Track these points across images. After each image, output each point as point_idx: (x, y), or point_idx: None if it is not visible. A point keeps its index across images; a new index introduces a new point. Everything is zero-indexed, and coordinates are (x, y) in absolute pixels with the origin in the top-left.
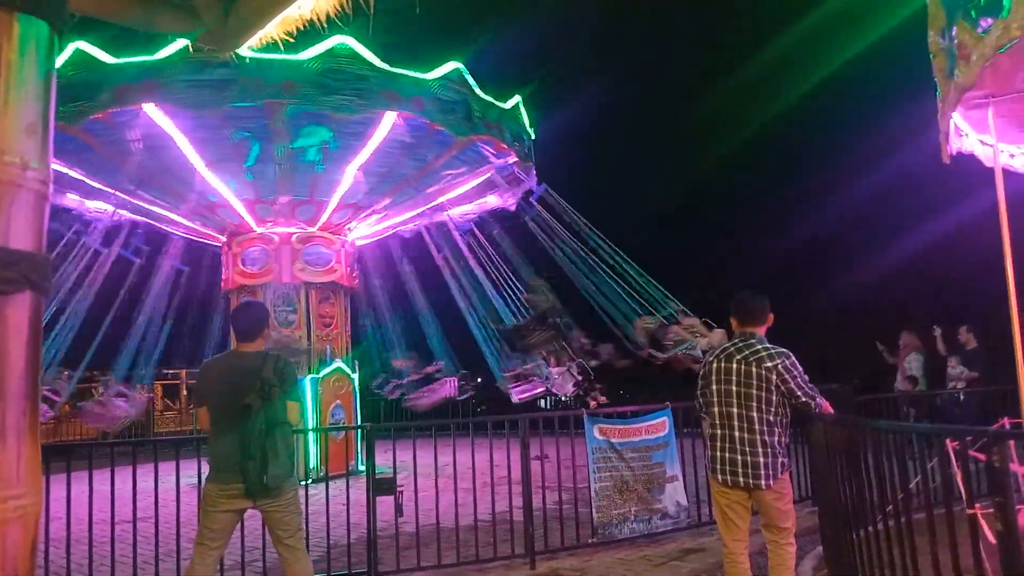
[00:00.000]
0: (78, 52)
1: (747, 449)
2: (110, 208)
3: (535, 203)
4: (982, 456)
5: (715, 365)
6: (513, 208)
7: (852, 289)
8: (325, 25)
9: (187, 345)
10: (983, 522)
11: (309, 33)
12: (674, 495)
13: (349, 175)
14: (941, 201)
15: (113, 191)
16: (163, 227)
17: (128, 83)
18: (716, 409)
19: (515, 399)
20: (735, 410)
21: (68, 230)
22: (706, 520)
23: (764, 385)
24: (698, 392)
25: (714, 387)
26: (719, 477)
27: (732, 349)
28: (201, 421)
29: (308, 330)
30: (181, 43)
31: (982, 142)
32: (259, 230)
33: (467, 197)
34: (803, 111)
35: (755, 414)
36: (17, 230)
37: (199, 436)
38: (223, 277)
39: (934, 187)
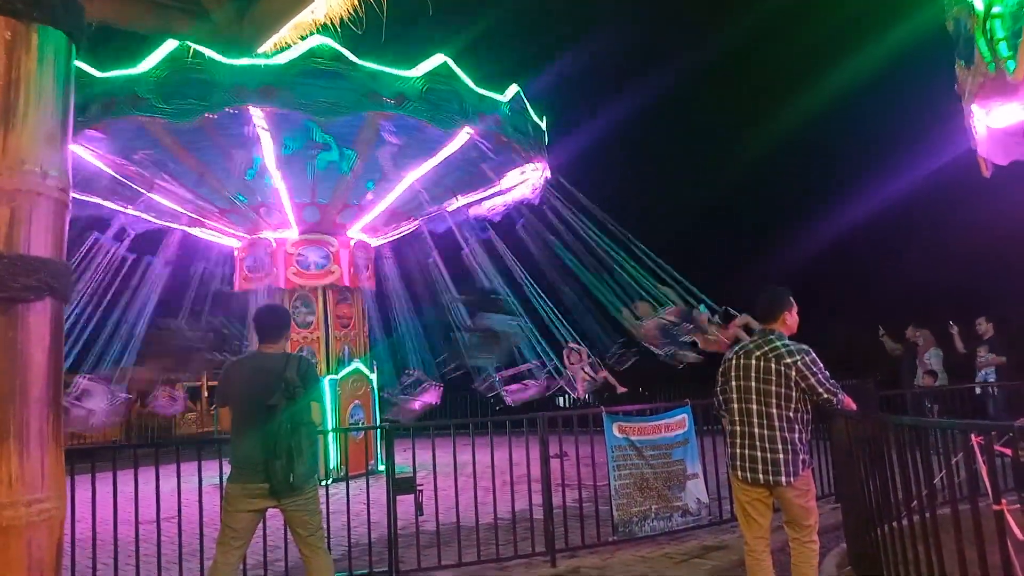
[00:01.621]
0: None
1: (767, 446)
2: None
3: (547, 196)
4: (1008, 451)
5: (734, 362)
6: (537, 201)
7: (875, 285)
8: (338, 28)
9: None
10: (1010, 518)
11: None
12: (695, 492)
13: (348, 177)
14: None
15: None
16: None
17: (116, 96)
18: (736, 406)
19: (509, 401)
20: (754, 407)
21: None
22: (727, 517)
23: (784, 382)
24: (717, 389)
25: (733, 383)
26: (739, 474)
27: (751, 346)
28: (224, 421)
29: (326, 331)
30: (164, 51)
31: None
32: (263, 234)
33: (484, 192)
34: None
35: (775, 411)
36: (37, 237)
37: (220, 437)
38: (243, 278)
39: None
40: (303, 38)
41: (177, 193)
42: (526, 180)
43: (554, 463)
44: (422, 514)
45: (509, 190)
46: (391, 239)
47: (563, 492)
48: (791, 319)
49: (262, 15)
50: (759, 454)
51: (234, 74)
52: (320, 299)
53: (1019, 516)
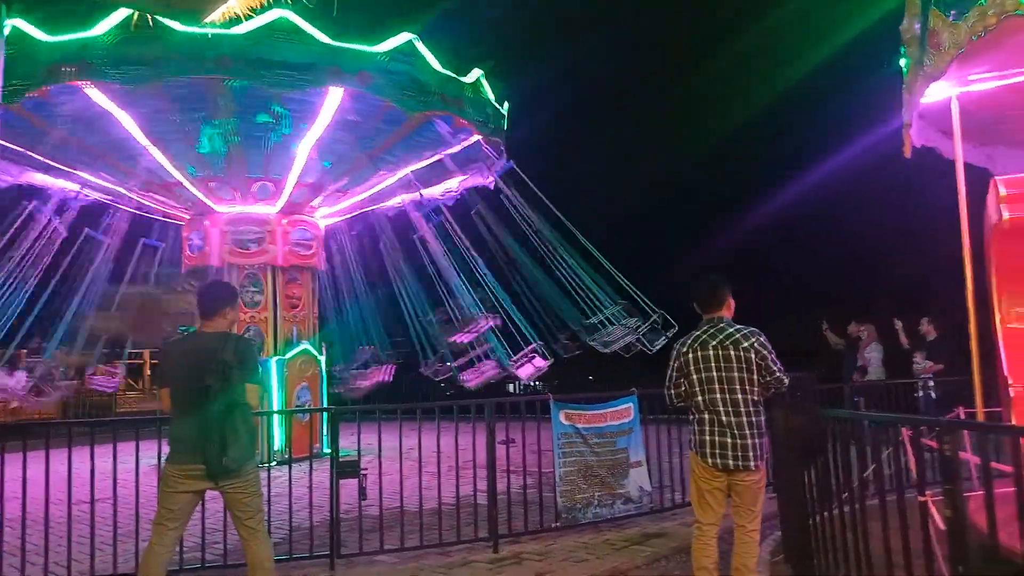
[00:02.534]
0: (15, 31)
1: (735, 432)
2: (76, 187)
3: (500, 181)
4: (935, 444)
5: (691, 355)
6: (492, 186)
7: (814, 279)
8: (290, 2)
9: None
10: (933, 509)
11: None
12: (638, 480)
13: (303, 153)
14: (902, 194)
15: (69, 169)
16: (124, 206)
17: (62, 61)
18: (700, 398)
19: (468, 385)
20: (718, 395)
21: (37, 211)
22: (668, 505)
23: (744, 366)
24: (668, 384)
25: (694, 376)
26: (709, 460)
27: (705, 336)
28: (164, 402)
29: (274, 311)
30: (117, 18)
31: (943, 134)
32: (222, 209)
33: (440, 175)
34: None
35: (739, 396)
36: None
37: (160, 417)
38: (186, 255)
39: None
40: (253, 10)
41: (120, 165)
42: (482, 164)
43: (500, 449)
44: (365, 498)
45: (464, 173)
46: (344, 219)
47: (508, 479)
48: (732, 303)
49: None
50: (729, 440)
51: (191, 43)
52: (269, 279)
53: (941, 507)
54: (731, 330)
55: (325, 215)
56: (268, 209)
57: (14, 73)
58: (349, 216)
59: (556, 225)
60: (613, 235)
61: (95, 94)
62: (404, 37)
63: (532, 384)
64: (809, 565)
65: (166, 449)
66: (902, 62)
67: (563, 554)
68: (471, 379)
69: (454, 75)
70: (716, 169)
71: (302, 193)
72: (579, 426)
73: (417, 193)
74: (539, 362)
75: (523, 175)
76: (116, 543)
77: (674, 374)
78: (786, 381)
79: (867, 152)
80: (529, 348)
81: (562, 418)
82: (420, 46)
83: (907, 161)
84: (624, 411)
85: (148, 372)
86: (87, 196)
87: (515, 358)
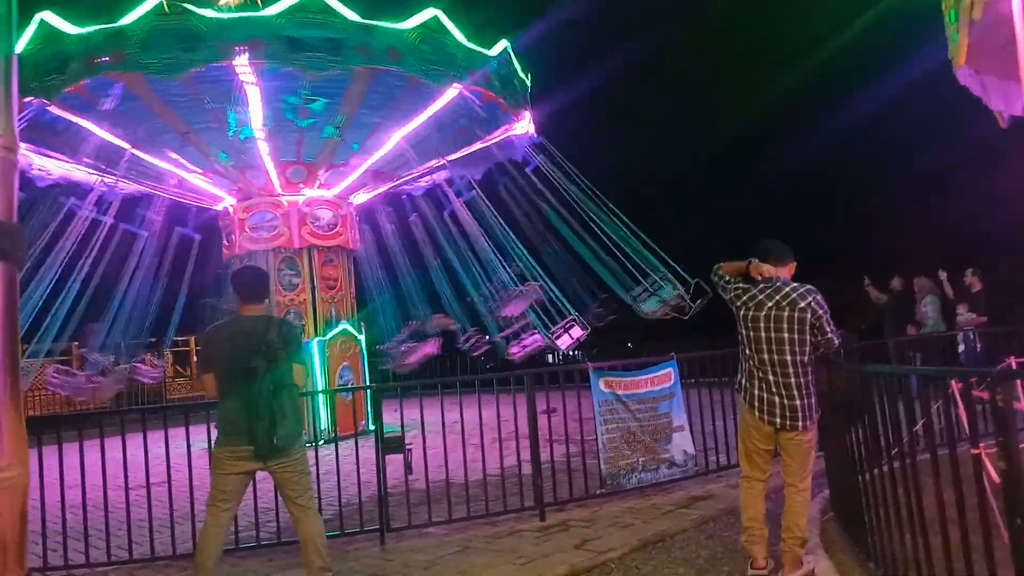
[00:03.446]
0: (45, 25)
1: (783, 392)
2: (109, 179)
3: (531, 157)
4: (986, 395)
5: (742, 312)
6: (520, 159)
7: (851, 233)
8: None
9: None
10: (987, 461)
11: None
12: (681, 444)
13: (331, 134)
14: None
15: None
16: (162, 194)
17: (94, 53)
18: (751, 354)
19: (515, 358)
20: (766, 356)
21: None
22: (713, 468)
23: (797, 327)
24: (719, 277)
25: (744, 333)
26: (756, 415)
27: (761, 297)
28: (207, 388)
29: (312, 293)
30: (148, 5)
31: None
32: (266, 195)
33: (471, 150)
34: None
35: (788, 357)
36: None
37: (208, 402)
38: (226, 244)
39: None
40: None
41: (159, 153)
42: (511, 136)
43: (542, 419)
44: (411, 472)
45: (493, 147)
46: (377, 195)
47: (551, 447)
48: (793, 266)
49: None
50: (776, 399)
51: (220, 26)
52: (305, 261)
53: (995, 459)
54: (787, 289)
55: (357, 195)
56: (301, 193)
57: (49, 68)
58: (383, 193)
59: (586, 196)
60: (641, 201)
61: (133, 85)
62: (430, 12)
63: (571, 353)
64: (859, 522)
65: (215, 433)
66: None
67: (609, 520)
68: (517, 352)
69: (480, 48)
70: (741, 122)
71: (335, 175)
72: (619, 392)
73: (447, 168)
74: (576, 331)
75: (552, 148)
76: (173, 525)
77: (728, 286)
78: (836, 342)
79: (905, 96)
80: (567, 319)
81: (602, 385)
82: (445, 20)
83: (948, 106)
84: (664, 376)
85: (194, 359)
86: (123, 188)
87: (553, 329)
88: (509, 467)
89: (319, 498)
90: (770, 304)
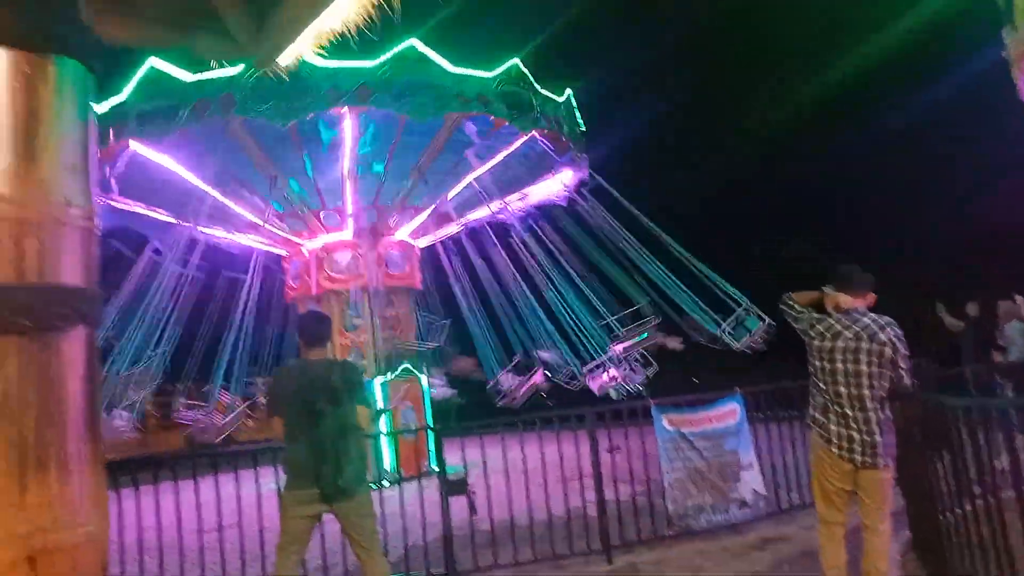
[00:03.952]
0: (153, 70)
1: (862, 428)
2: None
3: (588, 194)
4: None
5: (817, 343)
6: (563, 202)
7: (931, 256)
8: (355, 35)
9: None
10: None
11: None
12: (751, 483)
13: (414, 178)
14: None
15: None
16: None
17: (205, 98)
18: (825, 388)
19: (517, 402)
20: (843, 389)
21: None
22: (786, 507)
23: (876, 360)
24: (791, 307)
25: (818, 364)
26: (835, 451)
27: (838, 327)
28: (276, 431)
29: (374, 334)
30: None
31: None
32: (305, 243)
33: (520, 193)
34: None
35: (865, 391)
36: (67, 267)
37: (273, 446)
38: (288, 286)
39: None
40: (322, 47)
41: (245, 199)
42: (567, 177)
43: (605, 457)
44: (476, 514)
45: (554, 185)
46: (441, 238)
47: (616, 487)
48: (873, 297)
49: (278, 28)
50: (856, 435)
51: (329, 76)
52: (366, 302)
53: None
54: (867, 320)
55: (420, 235)
56: (376, 234)
57: (157, 112)
58: (446, 235)
59: (637, 226)
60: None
61: (234, 128)
62: (512, 62)
63: (636, 388)
64: (942, 563)
65: (283, 476)
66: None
67: (679, 563)
68: (600, 384)
69: (551, 95)
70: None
71: (397, 215)
72: (684, 430)
73: (506, 204)
74: (612, 372)
75: (599, 179)
76: (244, 567)
77: (803, 315)
78: (908, 383)
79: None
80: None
81: (665, 423)
82: (524, 69)
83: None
84: (729, 412)
85: (262, 400)
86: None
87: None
88: (574, 507)
89: (384, 540)
90: (848, 335)
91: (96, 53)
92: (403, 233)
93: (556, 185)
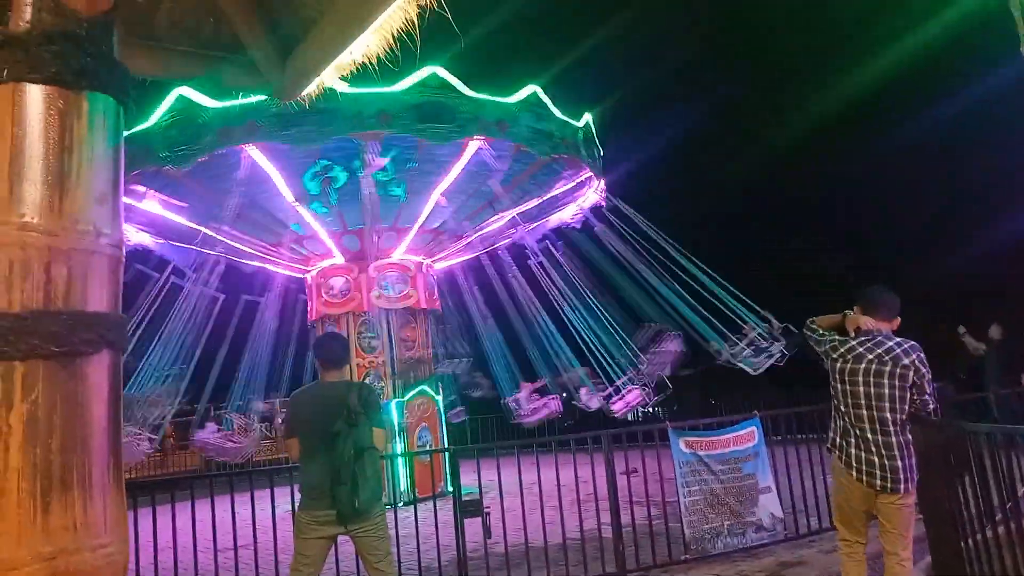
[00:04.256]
0: (181, 98)
1: (883, 452)
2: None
3: (608, 215)
4: None
5: (839, 365)
6: (578, 226)
7: (948, 278)
8: (376, 67)
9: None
10: None
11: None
12: (768, 507)
13: (431, 202)
14: None
15: (206, 230)
16: (247, 262)
17: (230, 125)
18: (846, 411)
19: (525, 423)
20: (864, 412)
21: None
22: (804, 532)
23: (899, 383)
24: (814, 332)
25: (839, 387)
26: (854, 475)
27: (861, 349)
28: (291, 452)
29: (391, 354)
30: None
31: None
32: (342, 260)
33: (533, 216)
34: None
35: (888, 415)
36: (93, 293)
37: (292, 465)
38: (309, 308)
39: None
40: (344, 79)
41: (262, 225)
42: (585, 198)
43: (621, 480)
44: (490, 536)
45: (567, 207)
46: (461, 260)
47: (631, 510)
48: (898, 321)
49: (302, 61)
50: (876, 459)
51: (355, 101)
52: (384, 323)
53: None
54: (891, 344)
55: (439, 258)
56: (387, 257)
57: (183, 139)
58: (461, 259)
59: (656, 245)
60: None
61: (257, 156)
62: (531, 88)
63: (652, 410)
64: None
65: (298, 496)
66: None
67: None
68: (620, 407)
69: (570, 120)
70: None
71: (425, 239)
72: (701, 453)
73: (521, 228)
74: (633, 396)
75: (617, 201)
76: None
77: (824, 339)
78: (931, 407)
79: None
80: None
81: (682, 446)
82: (543, 96)
83: None
84: (747, 435)
85: (279, 421)
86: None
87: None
88: (589, 530)
89: (399, 562)
90: (871, 357)
91: (125, 88)
92: (417, 255)
93: (572, 208)
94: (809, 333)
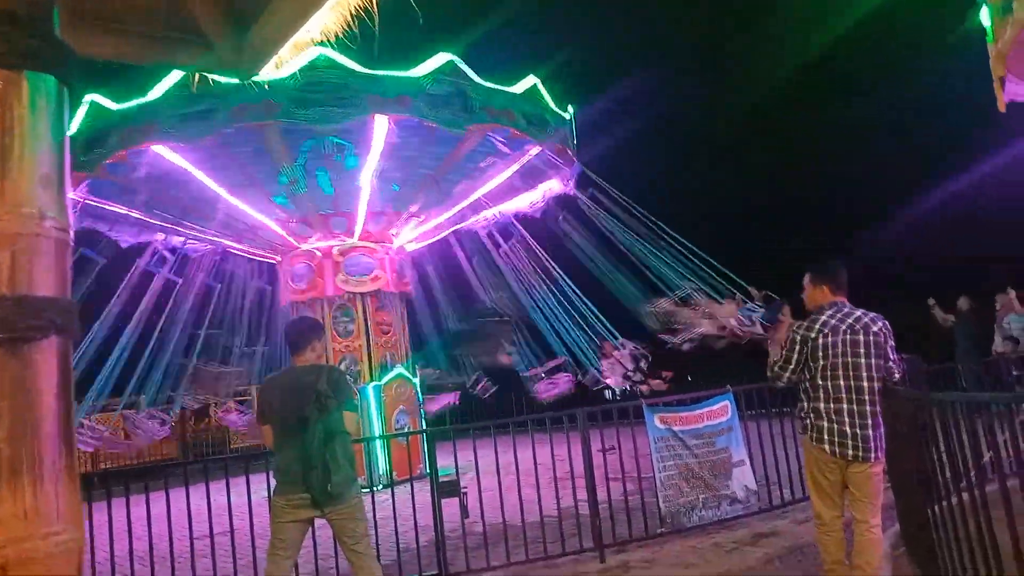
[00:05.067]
0: (93, 105)
1: (857, 421)
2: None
3: (575, 188)
4: None
5: (820, 341)
6: (538, 215)
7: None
8: (333, 43)
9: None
10: None
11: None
12: (742, 480)
13: (366, 183)
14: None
15: (160, 223)
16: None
17: (132, 126)
18: (823, 384)
19: (541, 398)
20: (842, 382)
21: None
22: (777, 503)
23: (874, 351)
24: (782, 367)
25: (821, 363)
26: (827, 448)
27: (834, 321)
28: (265, 438)
29: (367, 339)
30: (172, 80)
31: None
32: (301, 247)
33: (510, 191)
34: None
35: (864, 383)
36: (40, 278)
37: (268, 451)
38: (282, 292)
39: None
40: (316, 60)
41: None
42: (553, 173)
43: (598, 457)
44: (468, 516)
45: (534, 186)
46: (430, 242)
47: (608, 486)
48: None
49: (260, 39)
50: (848, 429)
51: (237, 92)
52: (360, 307)
53: None
54: (858, 313)
55: (408, 240)
56: (370, 240)
57: (94, 143)
58: (434, 239)
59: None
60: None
61: (164, 152)
62: (444, 57)
63: (630, 388)
64: (932, 558)
65: (273, 482)
66: (983, 13)
67: (671, 560)
68: (545, 392)
69: (501, 87)
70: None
71: (378, 222)
72: (675, 428)
73: (494, 212)
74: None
75: (596, 177)
76: (236, 574)
77: (797, 359)
78: (897, 375)
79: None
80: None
81: (657, 422)
82: (461, 64)
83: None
84: (720, 410)
85: (257, 408)
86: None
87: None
88: (566, 507)
89: (377, 544)
90: (843, 328)
91: (69, 69)
92: (391, 237)
93: (539, 195)
94: (780, 373)
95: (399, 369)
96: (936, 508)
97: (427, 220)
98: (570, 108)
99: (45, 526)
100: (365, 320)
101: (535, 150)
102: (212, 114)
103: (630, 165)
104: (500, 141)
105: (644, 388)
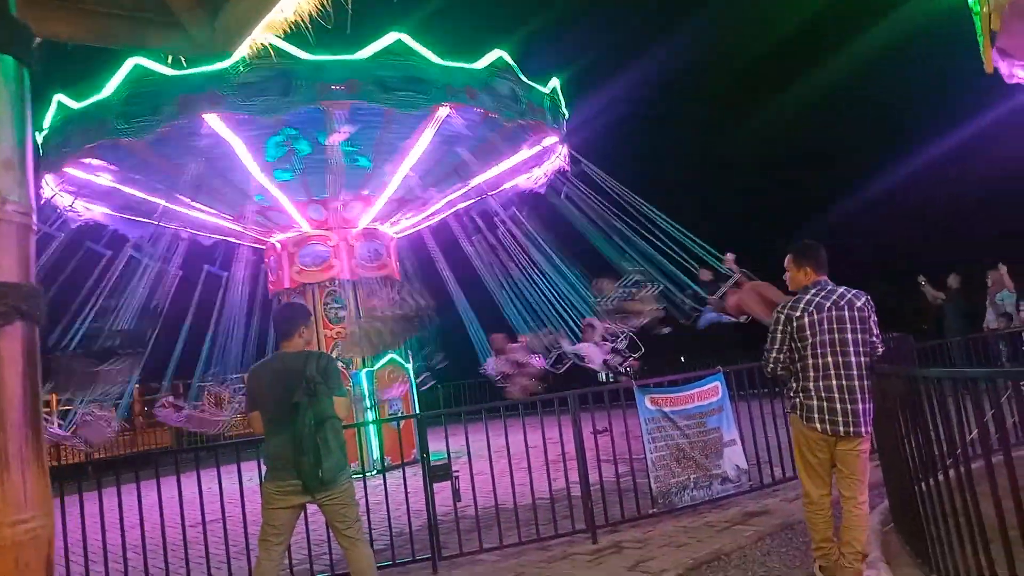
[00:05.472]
0: (138, 67)
1: (847, 397)
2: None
3: (571, 179)
4: None
5: (805, 320)
6: (543, 191)
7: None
8: (310, 26)
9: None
10: None
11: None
12: (733, 459)
13: (402, 171)
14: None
15: (164, 202)
16: (208, 235)
17: (190, 93)
18: (812, 362)
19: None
20: (831, 359)
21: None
22: (768, 482)
23: (860, 327)
24: (771, 350)
25: (809, 341)
26: (818, 426)
27: (818, 299)
28: (254, 426)
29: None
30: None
31: None
32: (312, 231)
33: (499, 181)
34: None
35: (852, 359)
36: (2, 262)
37: (259, 439)
38: (271, 280)
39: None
40: (285, 38)
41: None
42: (549, 165)
43: (589, 440)
44: (460, 500)
45: (530, 168)
46: (418, 229)
47: (600, 468)
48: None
49: (232, 21)
50: (838, 406)
51: (318, 69)
52: (349, 294)
53: None
54: (841, 290)
55: (399, 227)
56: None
57: (141, 111)
58: (421, 227)
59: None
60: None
61: (218, 125)
62: (496, 54)
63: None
64: (920, 533)
65: (264, 468)
66: None
67: (663, 540)
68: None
69: (536, 85)
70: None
71: (391, 208)
72: (666, 409)
73: (484, 196)
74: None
75: (583, 160)
76: (230, 561)
77: (781, 338)
78: (880, 349)
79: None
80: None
81: (648, 403)
82: (509, 60)
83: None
84: (711, 390)
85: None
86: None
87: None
88: (559, 490)
89: (370, 529)
90: (828, 305)
91: (28, 50)
92: (382, 225)
93: (536, 173)
94: (767, 357)
95: (391, 355)
96: (923, 484)
97: (430, 206)
98: (555, 81)
99: (13, 514)
100: (356, 306)
101: (551, 140)
102: (289, 89)
103: (608, 142)
104: (532, 136)
105: (627, 367)
